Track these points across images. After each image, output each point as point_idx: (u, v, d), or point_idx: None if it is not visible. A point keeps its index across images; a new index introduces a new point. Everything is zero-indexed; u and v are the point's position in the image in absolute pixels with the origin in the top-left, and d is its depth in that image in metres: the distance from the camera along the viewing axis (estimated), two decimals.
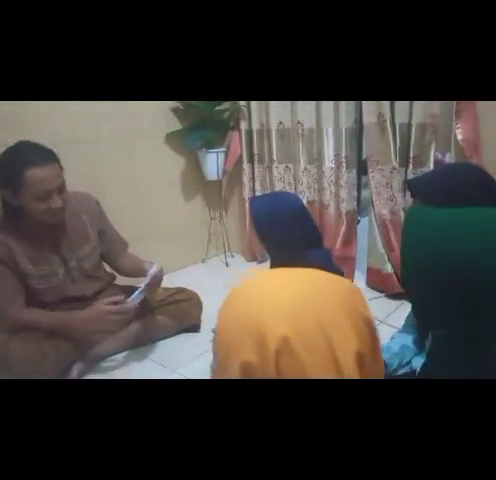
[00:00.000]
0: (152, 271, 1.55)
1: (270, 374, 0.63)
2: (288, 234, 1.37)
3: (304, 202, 2.34)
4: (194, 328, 1.86)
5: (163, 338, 1.81)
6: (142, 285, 1.52)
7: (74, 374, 1.54)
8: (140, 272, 1.63)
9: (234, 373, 0.65)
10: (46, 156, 1.36)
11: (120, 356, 1.71)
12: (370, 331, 0.67)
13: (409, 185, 1.29)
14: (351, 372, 0.64)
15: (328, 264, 1.42)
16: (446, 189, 1.08)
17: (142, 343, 1.77)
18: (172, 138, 2.39)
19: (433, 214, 0.93)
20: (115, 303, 1.44)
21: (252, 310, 0.64)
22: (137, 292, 1.50)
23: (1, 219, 1.46)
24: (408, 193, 1.67)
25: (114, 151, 2.16)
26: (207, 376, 1.53)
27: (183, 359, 1.67)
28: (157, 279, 1.58)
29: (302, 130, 2.26)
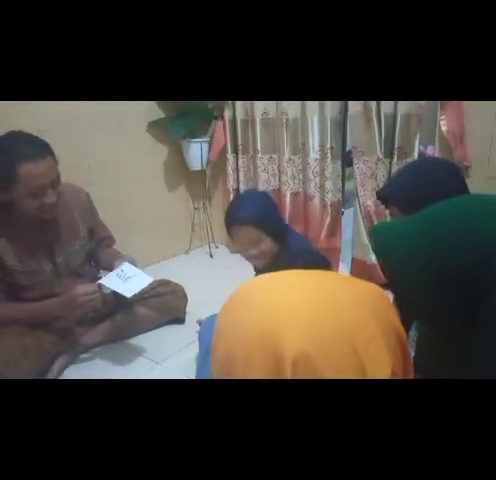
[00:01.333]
0: (119, 262, 1.50)
1: None
2: (281, 218, 1.46)
3: (288, 193, 2.35)
4: (179, 320, 1.85)
5: (147, 330, 1.79)
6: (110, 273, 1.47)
7: (56, 369, 1.50)
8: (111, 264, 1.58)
9: None
10: (40, 149, 1.28)
11: (104, 349, 1.68)
12: (402, 348, 0.56)
13: (379, 196, 1.25)
14: None
15: (310, 248, 1.43)
16: (416, 188, 1.08)
17: (126, 336, 1.74)
18: (154, 127, 2.35)
19: (407, 220, 0.78)
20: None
21: (262, 317, 0.53)
22: (106, 281, 1.45)
23: None
24: None
25: (95, 140, 2.10)
26: (192, 368, 1.52)
27: (168, 351, 1.66)
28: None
29: (287, 120, 2.24)
